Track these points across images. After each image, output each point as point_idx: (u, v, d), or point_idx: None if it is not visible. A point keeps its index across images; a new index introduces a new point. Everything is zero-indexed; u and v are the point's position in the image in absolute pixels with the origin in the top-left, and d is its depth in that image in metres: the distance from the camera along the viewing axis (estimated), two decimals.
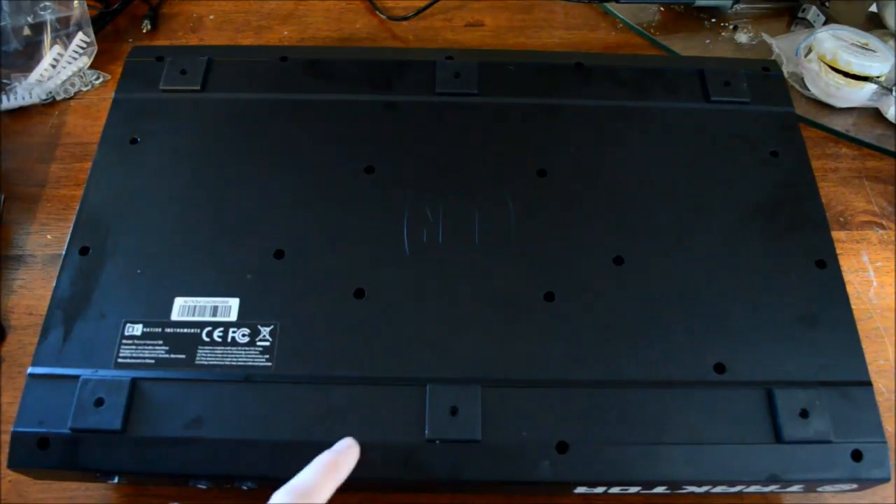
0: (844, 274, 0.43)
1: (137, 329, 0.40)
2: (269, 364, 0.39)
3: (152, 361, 0.39)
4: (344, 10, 0.64)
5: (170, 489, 0.41)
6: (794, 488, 0.38)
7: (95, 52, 0.59)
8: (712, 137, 0.48)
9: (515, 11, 0.65)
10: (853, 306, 0.42)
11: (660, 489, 0.38)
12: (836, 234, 0.49)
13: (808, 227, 0.44)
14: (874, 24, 0.62)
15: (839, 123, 0.57)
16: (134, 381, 0.38)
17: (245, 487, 0.38)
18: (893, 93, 0.56)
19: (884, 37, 0.58)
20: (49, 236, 0.50)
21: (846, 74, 0.56)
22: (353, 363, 0.39)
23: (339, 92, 0.49)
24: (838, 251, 0.44)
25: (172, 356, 0.39)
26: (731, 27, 0.63)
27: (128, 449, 0.37)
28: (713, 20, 0.64)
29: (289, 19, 0.63)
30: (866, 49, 0.56)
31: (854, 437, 0.38)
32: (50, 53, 0.58)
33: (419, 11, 0.63)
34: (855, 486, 0.38)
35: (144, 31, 0.61)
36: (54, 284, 0.41)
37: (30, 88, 0.56)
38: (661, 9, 0.64)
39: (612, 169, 0.46)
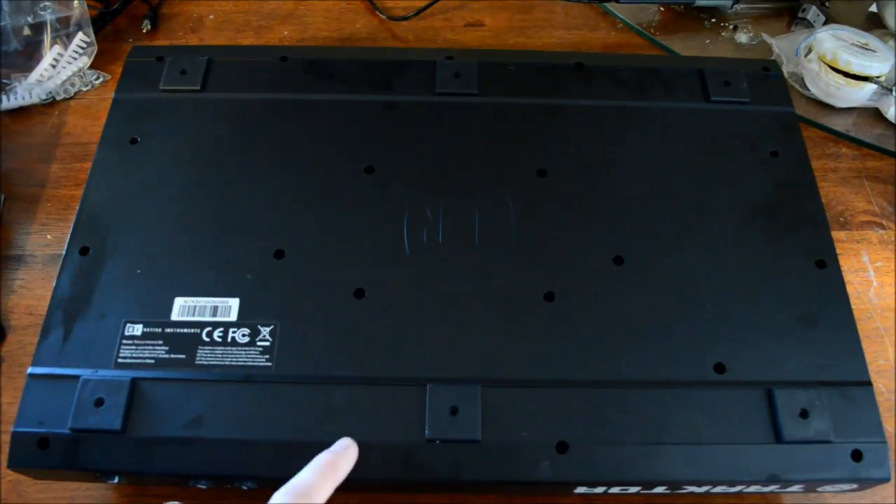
0: (844, 274, 0.43)
1: (137, 329, 0.40)
2: (269, 364, 0.39)
3: (152, 361, 0.39)
4: (344, 10, 0.64)
5: (170, 489, 0.41)
6: (794, 488, 0.38)
7: (95, 52, 0.59)
8: (712, 137, 0.48)
9: (515, 11, 0.65)
10: (853, 306, 0.42)
11: (660, 489, 0.38)
12: (836, 234, 0.49)
13: (808, 227, 0.44)
14: (874, 24, 0.62)
15: (839, 123, 0.57)
16: (134, 381, 0.38)
17: (245, 487, 0.38)
18: (893, 93, 0.56)
19: (884, 37, 0.58)
20: (49, 236, 0.50)
21: (846, 74, 0.56)
22: (353, 363, 0.39)
23: (339, 92, 0.49)
24: (838, 251, 0.44)
25: (172, 356, 0.39)
26: (731, 27, 0.63)
27: (128, 449, 0.37)
28: (713, 20, 0.64)
29: (289, 19, 0.63)
30: (866, 49, 0.56)
31: (854, 437, 0.38)
32: (50, 53, 0.58)
33: (419, 11, 0.63)
34: (855, 486, 0.38)
35: (144, 31, 0.61)
36: (54, 284, 0.41)
37: (30, 88, 0.56)
38: (661, 9, 0.64)
39: (612, 169, 0.46)
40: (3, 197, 0.51)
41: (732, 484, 0.37)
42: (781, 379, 0.39)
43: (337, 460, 0.35)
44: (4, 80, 0.57)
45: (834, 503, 0.42)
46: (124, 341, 0.39)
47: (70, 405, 0.37)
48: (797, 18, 0.64)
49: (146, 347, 0.39)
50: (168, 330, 0.40)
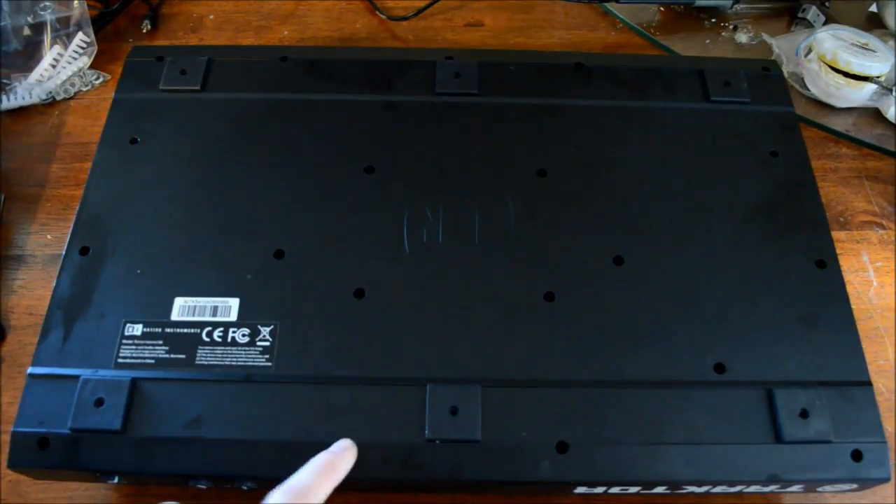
0: (844, 274, 0.43)
1: (137, 329, 0.40)
2: (269, 364, 0.39)
3: (152, 361, 0.39)
4: (344, 10, 0.64)
5: (170, 489, 0.41)
6: (794, 488, 0.38)
7: (95, 52, 0.59)
8: (712, 137, 0.48)
9: (515, 11, 0.65)
10: (853, 306, 0.42)
11: (660, 489, 0.38)
12: (836, 234, 0.49)
13: (808, 227, 0.44)
14: (874, 24, 0.62)
15: (839, 123, 0.57)
16: (134, 381, 0.38)
17: (245, 487, 0.38)
18: (893, 93, 0.56)
19: (884, 37, 0.58)
20: (49, 236, 0.50)
21: (846, 74, 0.56)
22: (353, 363, 0.39)
23: (339, 92, 0.49)
24: (838, 251, 0.44)
25: (172, 356, 0.39)
26: (731, 27, 0.63)
27: (128, 449, 0.37)
28: (713, 20, 0.64)
29: (289, 19, 0.63)
30: (866, 49, 0.56)
31: (854, 437, 0.38)
32: (50, 53, 0.58)
33: (419, 11, 0.63)
34: (855, 486, 0.38)
35: (144, 31, 0.61)
36: (54, 284, 0.41)
37: (30, 88, 0.56)
38: (661, 9, 0.64)
39: (612, 169, 0.46)
40: (3, 197, 0.51)
41: (732, 484, 0.37)
42: (781, 379, 0.39)
43: (336, 461, 0.35)
44: (4, 80, 0.57)
45: (834, 503, 0.42)
46: (124, 341, 0.39)
47: (70, 405, 0.37)
48: (797, 18, 0.64)
49: (146, 347, 0.39)
50: (168, 330, 0.40)
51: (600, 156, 0.47)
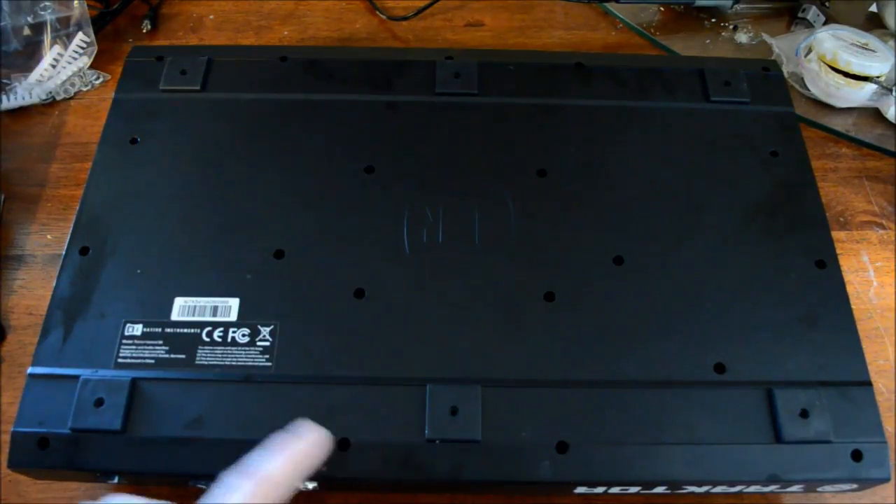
0: (844, 274, 0.43)
1: (137, 329, 0.40)
2: (269, 364, 0.39)
3: (152, 361, 0.39)
4: (344, 10, 0.64)
5: (170, 489, 0.41)
6: (794, 488, 0.38)
7: (95, 52, 0.59)
8: (712, 137, 0.48)
9: (515, 11, 0.65)
10: (853, 306, 0.42)
11: (660, 489, 0.38)
12: (836, 234, 0.49)
13: (808, 227, 0.44)
14: (874, 24, 0.62)
15: (839, 123, 0.57)
16: (134, 381, 0.38)
17: None
18: (893, 93, 0.56)
19: (884, 37, 0.58)
20: (49, 236, 0.50)
21: (846, 74, 0.56)
22: (353, 363, 0.39)
23: (339, 92, 0.49)
24: (838, 251, 0.44)
25: (172, 356, 0.39)
26: (731, 27, 0.63)
27: (128, 449, 0.37)
28: (713, 20, 0.64)
29: (289, 19, 0.63)
30: (866, 49, 0.56)
31: (854, 437, 0.38)
32: (50, 53, 0.58)
33: (419, 11, 0.63)
34: (855, 486, 0.38)
35: (144, 31, 0.61)
36: (54, 284, 0.41)
37: (30, 88, 0.56)
38: (661, 9, 0.64)
39: (612, 169, 0.46)
40: (3, 197, 0.51)
41: (732, 484, 0.37)
42: (781, 379, 0.39)
43: (312, 451, 0.33)
44: (4, 80, 0.57)
45: (834, 503, 0.42)
46: (124, 341, 0.39)
47: (70, 405, 0.37)
48: (797, 18, 0.64)
49: (146, 347, 0.39)
50: (168, 330, 0.40)
51: (600, 156, 0.47)
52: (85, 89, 0.58)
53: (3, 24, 0.57)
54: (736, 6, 0.63)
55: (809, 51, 0.58)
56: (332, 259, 0.42)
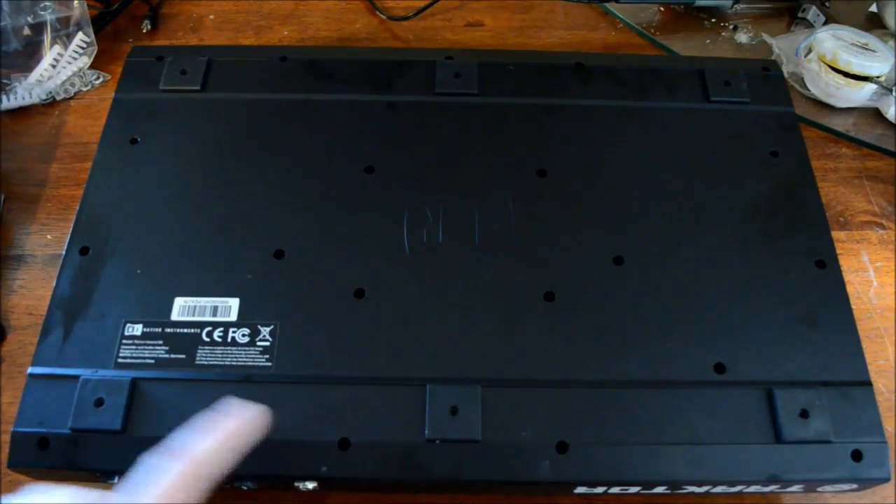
0: (844, 274, 0.43)
1: (137, 329, 0.40)
2: (269, 364, 0.39)
3: (152, 361, 0.39)
4: (344, 10, 0.64)
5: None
6: (794, 488, 0.38)
7: (95, 52, 0.59)
8: (712, 137, 0.48)
9: (515, 11, 0.65)
10: (853, 306, 0.42)
11: (660, 489, 0.38)
12: (836, 234, 0.49)
13: (808, 227, 0.44)
14: (874, 24, 0.62)
15: (839, 123, 0.57)
16: (134, 381, 0.38)
17: (245, 487, 0.38)
18: (893, 93, 0.56)
19: (884, 37, 0.58)
20: (49, 236, 0.50)
21: (846, 74, 0.56)
22: (353, 363, 0.39)
23: (339, 92, 0.49)
24: (838, 251, 0.44)
25: (172, 356, 0.39)
26: (731, 27, 0.63)
27: (128, 449, 0.36)
28: (713, 20, 0.64)
29: (289, 19, 0.63)
30: (866, 49, 0.56)
31: (854, 437, 0.38)
32: (50, 53, 0.58)
33: (419, 11, 0.63)
34: (855, 486, 0.38)
35: (144, 31, 0.61)
36: (54, 284, 0.41)
37: (30, 88, 0.56)
38: (661, 9, 0.64)
39: (612, 169, 0.46)
40: (3, 197, 0.51)
41: (732, 484, 0.37)
42: (781, 379, 0.39)
43: (245, 429, 0.32)
44: (4, 80, 0.57)
45: (834, 503, 0.42)
46: (124, 341, 0.39)
47: (70, 405, 0.37)
48: (797, 18, 0.64)
49: (146, 347, 0.39)
50: (168, 330, 0.40)
51: (600, 156, 0.47)
52: (85, 89, 0.58)
53: (3, 24, 0.57)
54: (736, 6, 0.63)
55: (809, 51, 0.58)
56: (332, 259, 0.42)
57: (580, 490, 0.38)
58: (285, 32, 0.62)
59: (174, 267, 0.42)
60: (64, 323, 0.40)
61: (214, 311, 0.40)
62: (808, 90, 0.58)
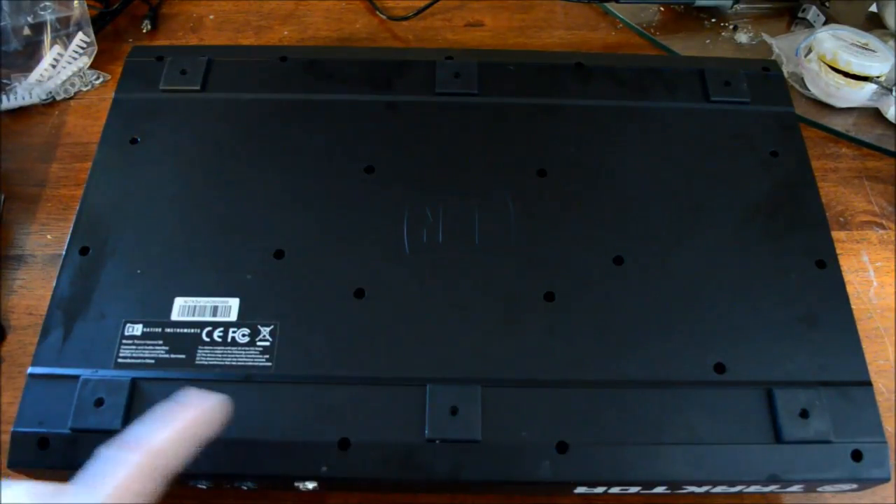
0: (844, 274, 0.43)
1: (137, 329, 0.40)
2: (269, 364, 0.39)
3: (152, 361, 0.39)
4: (344, 10, 0.64)
5: (170, 489, 0.41)
6: (794, 488, 0.38)
7: (95, 52, 0.59)
8: (712, 137, 0.48)
9: (515, 11, 0.65)
10: (853, 306, 0.42)
11: (660, 489, 0.38)
12: (836, 234, 0.49)
13: (808, 227, 0.44)
14: (874, 24, 0.62)
15: (839, 123, 0.57)
16: (134, 381, 0.38)
17: (245, 487, 0.38)
18: (893, 93, 0.56)
19: (884, 37, 0.58)
20: (49, 236, 0.50)
21: (846, 74, 0.56)
22: (353, 363, 0.39)
23: (339, 92, 0.49)
24: (838, 251, 0.44)
25: (172, 356, 0.39)
26: (731, 27, 0.63)
27: None
28: (713, 20, 0.64)
29: (289, 19, 0.63)
30: (866, 49, 0.56)
31: (854, 437, 0.38)
32: (50, 53, 0.58)
33: (419, 11, 0.63)
34: (855, 486, 0.38)
35: (144, 31, 0.61)
36: (54, 284, 0.41)
37: (30, 88, 0.56)
38: (661, 9, 0.64)
39: (612, 169, 0.46)
40: (3, 197, 0.51)
41: (732, 484, 0.37)
42: (781, 379, 0.39)
43: (203, 419, 0.32)
44: (4, 80, 0.57)
45: (834, 503, 0.42)
46: (124, 341, 0.39)
47: (70, 405, 0.37)
48: (797, 18, 0.64)
49: (146, 347, 0.39)
50: (168, 330, 0.40)
51: (600, 156, 0.47)
52: (85, 89, 0.58)
53: (3, 24, 0.57)
54: (736, 6, 0.63)
55: (809, 51, 0.58)
56: (332, 259, 0.42)
57: (580, 490, 0.38)
58: (285, 32, 0.62)
59: (174, 267, 0.42)
60: (64, 323, 0.40)
61: (214, 311, 0.40)
62: (808, 90, 0.58)
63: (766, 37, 0.61)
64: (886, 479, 0.37)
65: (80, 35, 0.58)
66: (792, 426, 0.38)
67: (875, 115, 0.58)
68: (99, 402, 0.37)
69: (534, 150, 0.47)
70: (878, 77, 0.56)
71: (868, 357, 0.40)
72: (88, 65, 0.58)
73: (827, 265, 0.43)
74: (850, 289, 0.45)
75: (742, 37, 0.62)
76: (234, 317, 0.40)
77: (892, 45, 0.58)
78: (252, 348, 0.39)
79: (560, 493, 0.41)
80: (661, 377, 0.39)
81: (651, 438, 0.37)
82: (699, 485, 0.38)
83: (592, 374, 0.39)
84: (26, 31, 0.58)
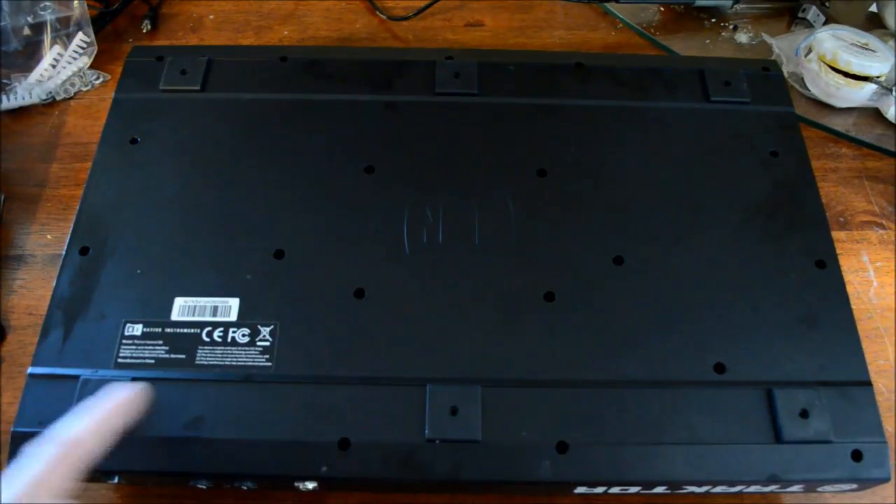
0: (844, 274, 0.43)
1: (137, 329, 0.40)
2: (269, 364, 0.39)
3: (152, 361, 0.39)
4: (344, 10, 0.64)
5: (170, 489, 0.41)
6: (794, 488, 0.38)
7: (95, 52, 0.59)
8: (712, 137, 0.48)
9: (515, 11, 0.65)
10: (853, 306, 0.42)
11: (660, 489, 0.38)
12: (836, 234, 0.49)
13: (808, 227, 0.44)
14: (874, 24, 0.62)
15: (839, 123, 0.57)
16: (134, 381, 0.38)
17: (245, 487, 0.38)
18: (893, 93, 0.56)
19: (884, 37, 0.58)
20: (49, 236, 0.50)
21: (846, 74, 0.56)
22: (353, 363, 0.39)
23: (339, 92, 0.49)
24: (838, 251, 0.44)
25: (172, 356, 0.39)
26: (731, 27, 0.63)
27: (128, 449, 0.36)
28: (713, 20, 0.64)
29: (289, 19, 0.63)
30: (866, 49, 0.56)
31: (854, 437, 0.38)
32: (50, 53, 0.58)
33: (419, 11, 0.63)
34: (855, 486, 0.38)
35: (144, 31, 0.61)
36: (54, 284, 0.41)
37: (30, 88, 0.56)
38: (661, 9, 0.64)
39: (612, 169, 0.46)
40: (3, 197, 0.51)
41: (732, 484, 0.37)
42: (781, 379, 0.39)
43: (116, 408, 0.33)
44: (4, 80, 0.57)
45: (834, 503, 0.42)
46: (124, 341, 0.39)
47: (70, 405, 0.37)
48: (797, 18, 0.64)
49: (146, 347, 0.39)
50: (168, 330, 0.40)
51: (600, 156, 0.47)
52: (85, 89, 0.58)
53: (3, 24, 0.57)
54: (736, 6, 0.63)
55: (809, 51, 0.58)
56: (332, 259, 0.42)
57: (580, 490, 0.38)
58: (285, 32, 0.62)
59: (174, 267, 0.42)
60: (64, 323, 0.40)
61: (214, 311, 0.40)
62: (808, 90, 0.58)
63: (766, 37, 0.61)
64: (886, 479, 0.37)
65: (80, 35, 0.58)
66: (792, 426, 0.38)
67: (875, 115, 0.58)
68: None
69: (534, 150, 0.47)
70: (878, 77, 0.56)
71: (868, 357, 0.40)
72: (88, 65, 0.58)
73: (827, 265, 0.43)
74: (850, 289, 0.45)
75: (742, 37, 0.62)
76: (234, 317, 0.40)
77: (892, 45, 0.58)
78: (252, 348, 0.39)
79: (560, 493, 0.41)
80: (661, 377, 0.39)
81: (651, 438, 0.37)
82: (699, 485, 0.38)
83: (592, 374, 0.39)
84: (26, 31, 0.58)
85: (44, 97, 0.56)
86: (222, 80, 0.49)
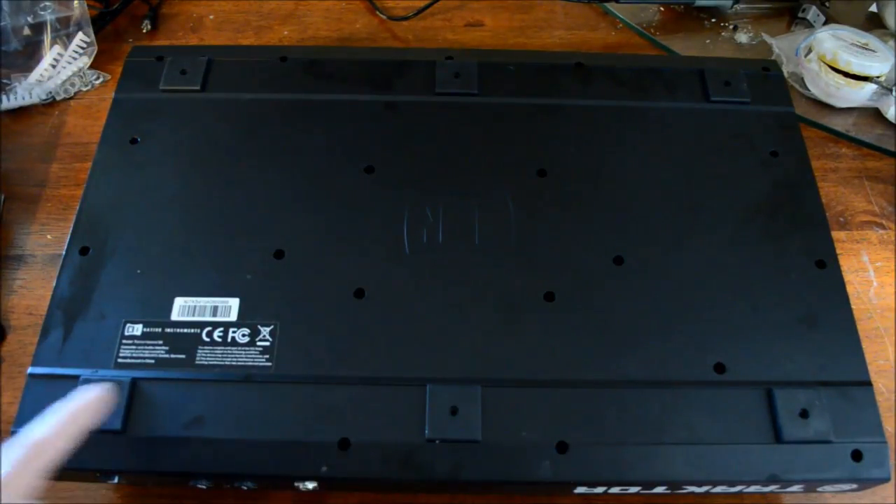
0: (844, 274, 0.43)
1: (137, 329, 0.40)
2: (269, 364, 0.39)
3: (152, 361, 0.39)
4: (344, 10, 0.64)
5: (170, 489, 0.41)
6: (794, 488, 0.38)
7: (95, 52, 0.59)
8: (712, 137, 0.48)
9: (515, 11, 0.65)
10: (853, 306, 0.42)
11: (660, 489, 0.38)
12: (836, 234, 0.49)
13: (808, 227, 0.44)
14: (874, 24, 0.62)
15: (839, 123, 0.57)
16: (134, 381, 0.38)
17: (245, 487, 0.38)
18: (893, 93, 0.56)
19: (884, 37, 0.58)
20: (49, 236, 0.50)
21: (846, 74, 0.56)
22: (353, 363, 0.39)
23: (339, 92, 0.49)
24: (838, 251, 0.44)
25: (172, 356, 0.39)
26: (731, 27, 0.63)
27: (128, 449, 0.37)
28: (713, 20, 0.64)
29: (289, 19, 0.63)
30: (866, 49, 0.56)
31: (854, 437, 0.38)
32: (50, 53, 0.58)
33: (419, 11, 0.63)
34: (855, 486, 0.38)
35: (144, 31, 0.61)
36: (54, 284, 0.41)
37: (30, 88, 0.56)
38: (661, 9, 0.64)
39: (612, 169, 0.46)
40: (3, 197, 0.51)
41: (732, 484, 0.37)
42: (781, 379, 0.39)
43: (81, 410, 0.34)
44: (4, 80, 0.57)
45: (834, 503, 0.42)
46: (124, 341, 0.39)
47: None
48: (797, 18, 0.64)
49: (146, 347, 0.39)
50: (168, 330, 0.40)
51: (600, 156, 0.47)
52: (85, 89, 0.58)
53: (3, 24, 0.57)
54: (736, 6, 0.63)
55: (809, 51, 0.58)
56: (332, 259, 0.42)
57: (580, 490, 0.38)
58: (285, 32, 0.62)
59: (174, 267, 0.42)
60: (64, 323, 0.40)
61: (214, 311, 0.40)
62: (808, 90, 0.58)
63: (766, 37, 0.61)
64: (886, 479, 0.37)
65: (80, 35, 0.58)
66: (792, 426, 0.38)
67: (875, 115, 0.58)
68: None
69: (534, 150, 0.47)
70: (878, 77, 0.56)
71: (868, 357, 0.40)
72: (88, 65, 0.58)
73: (827, 265, 0.43)
74: (850, 289, 0.45)
75: (742, 37, 0.62)
76: (234, 317, 0.40)
77: (892, 45, 0.58)
78: (252, 348, 0.39)
79: (560, 493, 0.41)
80: (661, 377, 0.39)
81: (651, 438, 0.37)
82: (699, 485, 0.38)
83: (592, 374, 0.39)
84: (26, 31, 0.58)
85: (44, 97, 0.56)
86: (222, 80, 0.49)
